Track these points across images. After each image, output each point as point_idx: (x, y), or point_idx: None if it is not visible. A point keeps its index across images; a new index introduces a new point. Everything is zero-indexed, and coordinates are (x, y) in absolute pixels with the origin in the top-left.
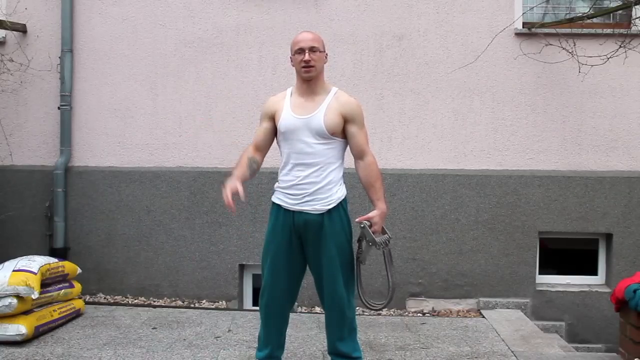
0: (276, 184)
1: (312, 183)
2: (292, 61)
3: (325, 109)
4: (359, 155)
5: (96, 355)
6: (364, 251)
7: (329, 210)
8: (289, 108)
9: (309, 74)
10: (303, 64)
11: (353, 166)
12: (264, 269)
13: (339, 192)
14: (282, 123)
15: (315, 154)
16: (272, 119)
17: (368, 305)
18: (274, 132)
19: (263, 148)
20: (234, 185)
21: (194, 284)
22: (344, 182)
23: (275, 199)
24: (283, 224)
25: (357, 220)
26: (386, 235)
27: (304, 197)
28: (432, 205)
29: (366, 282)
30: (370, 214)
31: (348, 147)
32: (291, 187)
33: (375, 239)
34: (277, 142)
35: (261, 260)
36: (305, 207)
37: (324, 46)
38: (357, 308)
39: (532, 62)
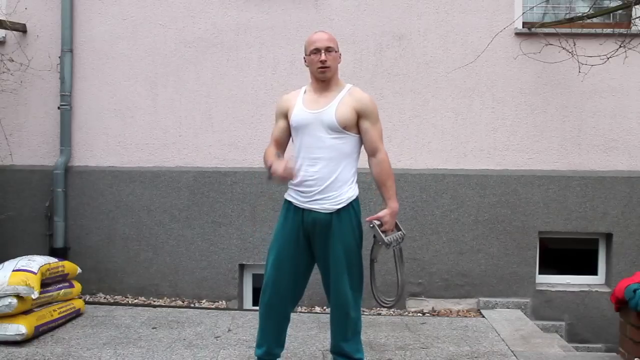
0: (289, 181)
1: (321, 178)
2: (306, 61)
3: (338, 103)
4: (371, 152)
5: (96, 355)
6: (375, 249)
7: (339, 210)
8: (302, 104)
9: (324, 74)
10: (319, 65)
11: (367, 167)
12: (267, 265)
13: (350, 192)
14: (294, 118)
15: (325, 148)
16: (286, 116)
17: (380, 302)
18: (290, 130)
19: (282, 144)
20: (275, 160)
21: (194, 284)
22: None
23: (287, 195)
24: (292, 221)
25: (367, 219)
26: (400, 232)
27: (314, 194)
28: (432, 205)
29: (378, 280)
30: (380, 214)
31: (362, 147)
32: (301, 183)
33: (385, 238)
34: (292, 139)
35: (267, 256)
36: (315, 206)
37: (338, 46)
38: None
39: (532, 62)
